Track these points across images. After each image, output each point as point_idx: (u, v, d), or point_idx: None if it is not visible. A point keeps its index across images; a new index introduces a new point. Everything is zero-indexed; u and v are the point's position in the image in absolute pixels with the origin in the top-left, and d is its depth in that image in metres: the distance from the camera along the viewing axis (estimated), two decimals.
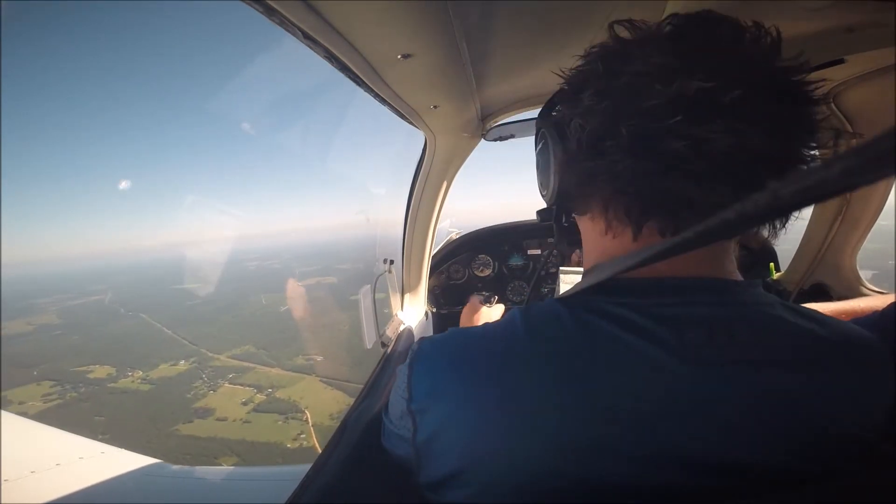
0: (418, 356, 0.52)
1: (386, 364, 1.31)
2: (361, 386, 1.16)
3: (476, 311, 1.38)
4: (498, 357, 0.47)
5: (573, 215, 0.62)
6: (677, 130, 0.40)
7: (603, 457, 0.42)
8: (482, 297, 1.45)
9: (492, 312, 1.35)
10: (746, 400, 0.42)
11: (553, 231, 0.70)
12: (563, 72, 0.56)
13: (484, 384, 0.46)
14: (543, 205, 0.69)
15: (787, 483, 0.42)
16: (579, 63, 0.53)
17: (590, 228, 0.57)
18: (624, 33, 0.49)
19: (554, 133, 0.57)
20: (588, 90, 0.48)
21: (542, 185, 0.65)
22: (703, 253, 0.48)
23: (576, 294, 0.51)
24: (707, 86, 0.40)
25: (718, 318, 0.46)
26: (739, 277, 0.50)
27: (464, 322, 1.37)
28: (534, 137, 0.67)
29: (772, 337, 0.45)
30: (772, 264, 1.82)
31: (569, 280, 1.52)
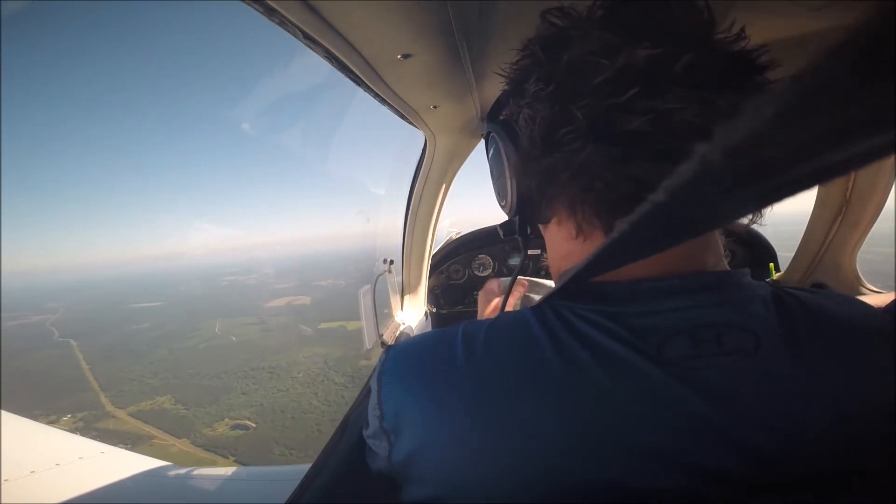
0: (385, 369, 0.47)
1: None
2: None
3: (491, 295, 1.30)
4: (467, 374, 0.42)
5: (538, 224, 0.56)
6: (636, 105, 0.37)
7: (580, 474, 0.38)
8: (500, 282, 1.41)
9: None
10: (742, 399, 0.39)
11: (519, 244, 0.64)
12: (503, 70, 0.52)
13: (453, 403, 0.41)
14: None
15: (793, 484, 0.39)
16: (517, 58, 0.50)
17: (556, 233, 0.52)
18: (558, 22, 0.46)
19: (503, 133, 0.52)
20: (531, 78, 0.45)
21: (500, 196, 0.59)
22: (693, 245, 0.44)
23: (545, 301, 0.47)
24: (655, 52, 0.37)
25: (705, 324, 0.41)
26: (725, 268, 0.46)
27: (480, 302, 1.31)
28: (484, 145, 0.62)
29: (767, 327, 0.41)
30: (771, 264, 1.82)
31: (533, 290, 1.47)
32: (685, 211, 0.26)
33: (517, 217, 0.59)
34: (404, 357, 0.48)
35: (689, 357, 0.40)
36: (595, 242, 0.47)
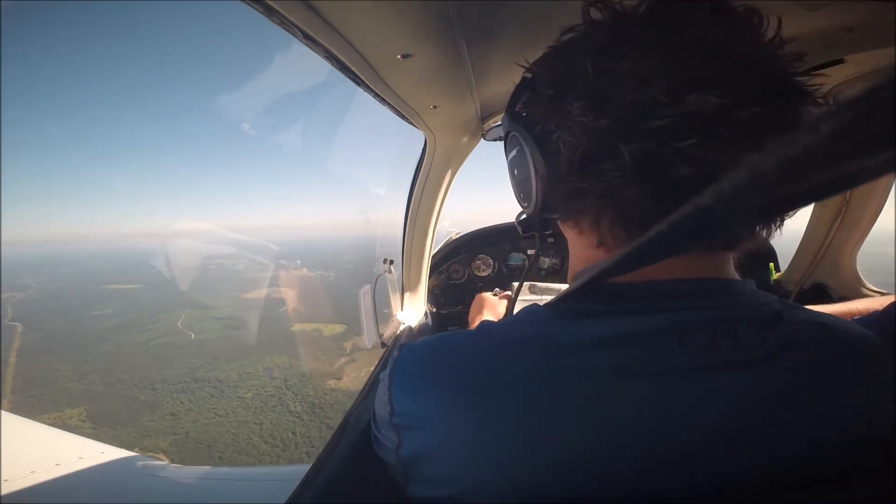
0: (398, 365, 0.48)
1: (386, 364, 1.31)
2: None
3: (483, 300, 1.36)
4: (481, 372, 0.43)
5: (557, 223, 0.57)
6: (688, 154, 0.36)
7: (595, 474, 0.38)
8: (495, 291, 1.45)
9: (497, 303, 1.34)
10: (747, 404, 0.40)
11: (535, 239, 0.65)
12: (527, 62, 0.51)
13: (467, 405, 0.41)
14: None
15: (790, 488, 0.40)
16: (549, 50, 0.48)
17: (576, 238, 0.53)
18: (597, 15, 0.44)
19: (532, 143, 0.50)
20: (572, 96, 0.42)
21: (521, 198, 0.59)
22: (702, 255, 0.46)
23: (562, 299, 0.47)
24: (724, 102, 0.35)
25: (722, 321, 0.42)
26: (738, 277, 0.48)
27: (472, 312, 1.35)
28: (503, 138, 0.61)
29: (774, 338, 0.43)
30: (771, 264, 1.82)
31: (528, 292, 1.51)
32: (716, 216, 0.27)
33: (538, 219, 0.59)
34: (418, 357, 0.48)
35: (706, 349, 0.41)
36: (617, 252, 0.46)
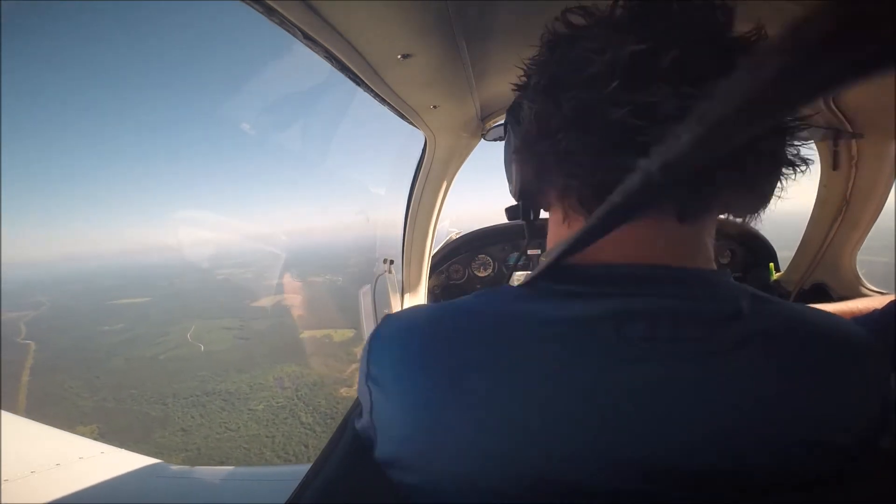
0: (378, 332, 0.51)
1: None
2: None
3: None
4: (446, 346, 0.45)
5: (541, 210, 0.60)
6: (617, 97, 0.38)
7: (528, 461, 0.40)
8: None
9: None
10: (684, 398, 0.39)
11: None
12: (527, 62, 0.53)
13: (427, 370, 0.44)
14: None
15: (761, 490, 0.39)
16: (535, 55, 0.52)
17: (552, 221, 0.55)
18: (578, 20, 0.46)
19: (512, 121, 0.56)
20: (539, 77, 0.47)
21: (508, 181, 0.64)
22: (669, 239, 0.44)
23: (530, 280, 0.49)
24: (640, 48, 0.38)
25: (666, 311, 0.41)
26: (712, 268, 0.46)
27: None
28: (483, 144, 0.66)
29: (725, 334, 0.41)
30: (771, 264, 1.82)
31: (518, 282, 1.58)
32: (655, 176, 0.26)
33: (521, 202, 0.62)
34: (396, 324, 0.51)
35: (643, 339, 0.40)
36: (576, 228, 0.47)
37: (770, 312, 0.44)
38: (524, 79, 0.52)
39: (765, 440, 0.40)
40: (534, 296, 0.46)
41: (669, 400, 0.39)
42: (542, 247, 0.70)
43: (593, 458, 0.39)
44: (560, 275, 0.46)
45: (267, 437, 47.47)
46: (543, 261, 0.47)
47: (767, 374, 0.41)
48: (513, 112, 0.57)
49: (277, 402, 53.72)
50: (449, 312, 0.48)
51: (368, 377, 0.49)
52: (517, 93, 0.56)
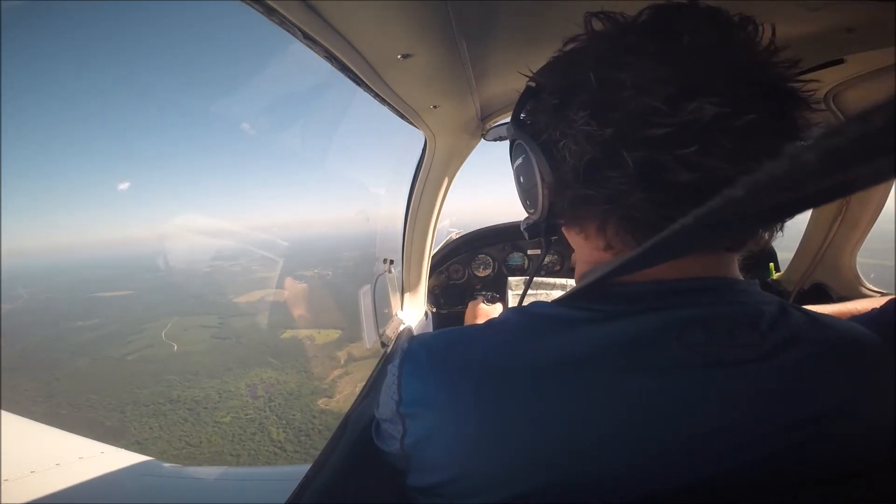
0: (408, 356, 0.49)
1: (386, 363, 1.32)
2: None
3: (477, 308, 1.41)
4: (488, 364, 0.44)
5: (562, 229, 0.58)
6: (688, 161, 0.37)
7: (589, 472, 0.40)
8: (486, 297, 1.53)
9: (491, 311, 1.38)
10: (744, 402, 0.41)
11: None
12: (531, 71, 0.52)
13: (470, 394, 0.43)
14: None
15: (789, 487, 0.41)
16: (552, 60, 0.50)
17: (582, 242, 0.54)
18: (599, 26, 0.46)
19: (538, 151, 0.51)
20: (577, 105, 0.43)
21: (528, 204, 0.60)
22: (705, 256, 0.47)
23: (570, 297, 0.49)
24: (722, 111, 0.36)
25: (720, 317, 0.43)
26: (741, 277, 0.49)
27: (467, 320, 1.40)
28: (508, 145, 0.61)
29: (772, 336, 0.43)
30: (771, 264, 1.82)
31: (517, 288, 1.64)
32: (720, 221, 0.28)
33: (544, 225, 0.59)
34: (428, 347, 0.49)
35: (703, 345, 0.42)
36: (624, 254, 0.47)
37: (794, 317, 0.46)
38: (553, 100, 0.48)
39: (814, 437, 0.41)
40: (576, 316, 0.46)
41: (737, 401, 0.41)
42: (544, 249, 0.69)
43: (661, 464, 0.40)
44: (598, 295, 0.47)
45: (231, 455, 42.59)
46: (583, 281, 0.48)
47: (807, 375, 0.43)
48: (534, 134, 0.52)
49: (247, 415, 48.41)
50: (490, 340, 0.47)
51: (401, 404, 0.47)
52: (539, 109, 0.52)
